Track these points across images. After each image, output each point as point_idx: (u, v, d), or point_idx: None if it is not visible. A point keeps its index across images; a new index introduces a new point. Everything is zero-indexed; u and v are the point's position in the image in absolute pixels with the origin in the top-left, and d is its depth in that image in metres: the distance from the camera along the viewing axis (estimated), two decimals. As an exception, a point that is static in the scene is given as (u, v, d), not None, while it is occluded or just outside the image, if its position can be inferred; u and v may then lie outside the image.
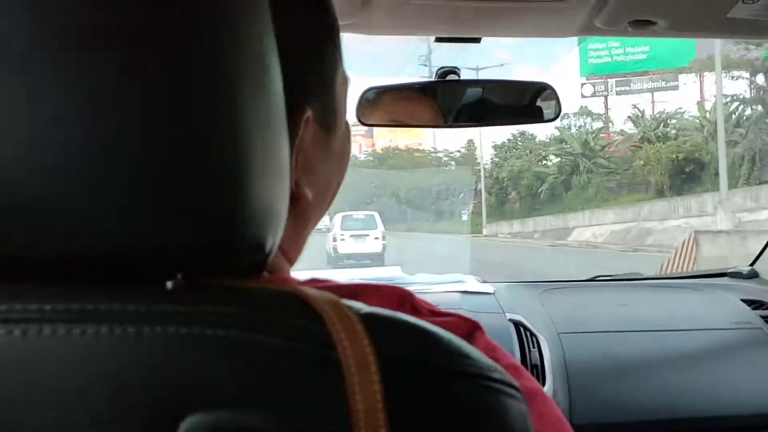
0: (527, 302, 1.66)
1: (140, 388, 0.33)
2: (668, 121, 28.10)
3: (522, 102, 1.40)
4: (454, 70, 1.39)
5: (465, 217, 29.64)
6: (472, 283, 1.72)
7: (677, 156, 24.97)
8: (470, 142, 37.15)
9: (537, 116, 1.39)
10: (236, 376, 0.34)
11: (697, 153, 25.09)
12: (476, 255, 16.37)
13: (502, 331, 1.53)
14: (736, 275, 1.87)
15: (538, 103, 1.38)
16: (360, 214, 18.69)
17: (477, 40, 1.36)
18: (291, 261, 0.57)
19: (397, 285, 0.51)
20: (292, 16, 0.51)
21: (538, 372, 1.49)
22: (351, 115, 1.35)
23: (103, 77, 0.33)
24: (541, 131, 36.43)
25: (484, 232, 29.84)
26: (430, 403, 0.36)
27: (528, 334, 1.53)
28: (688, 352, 1.56)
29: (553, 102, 1.36)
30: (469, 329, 0.50)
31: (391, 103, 1.38)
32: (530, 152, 32.24)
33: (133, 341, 0.34)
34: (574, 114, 30.45)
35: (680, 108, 28.80)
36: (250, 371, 0.34)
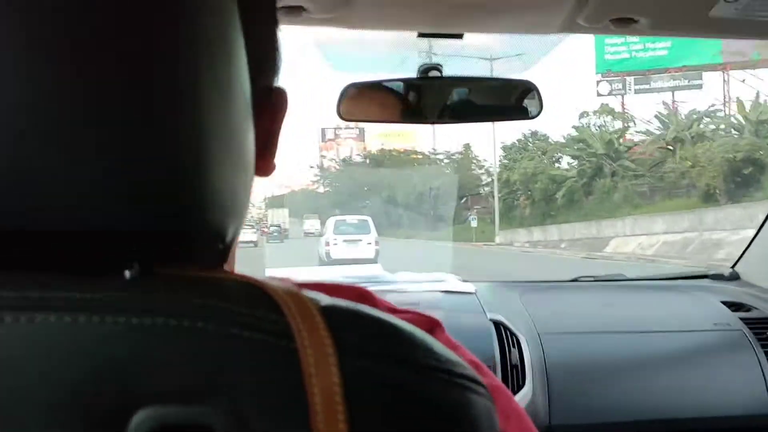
0: (508, 302, 1.70)
1: (90, 380, 0.33)
2: (701, 120, 26.53)
3: (505, 99, 1.44)
4: (436, 67, 1.43)
5: (474, 224, 28.69)
6: (453, 283, 1.77)
7: (734, 156, 22.11)
8: (467, 146, 36.38)
9: (520, 113, 1.44)
10: (191, 368, 0.34)
11: (758, 153, 22.23)
12: (501, 267, 15.20)
13: (482, 330, 1.58)
14: (718, 277, 1.91)
15: (522, 100, 1.43)
16: (353, 219, 18.99)
17: (460, 36, 1.41)
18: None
19: (364, 284, 0.53)
20: (264, 8, 0.53)
21: (518, 372, 1.53)
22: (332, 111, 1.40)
23: (65, 63, 0.35)
24: (556, 131, 35.86)
25: (497, 240, 28.34)
26: (391, 395, 0.36)
27: (508, 334, 1.58)
28: (669, 354, 1.61)
29: (536, 100, 1.41)
30: (429, 326, 0.50)
31: (373, 100, 1.42)
32: (543, 153, 31.12)
33: (83, 330, 0.34)
34: (594, 112, 29.46)
35: (713, 105, 27.10)
36: (205, 363, 0.34)
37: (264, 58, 0.52)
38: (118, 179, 0.36)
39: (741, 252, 1.88)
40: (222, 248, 0.41)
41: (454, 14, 1.31)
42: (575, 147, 29.52)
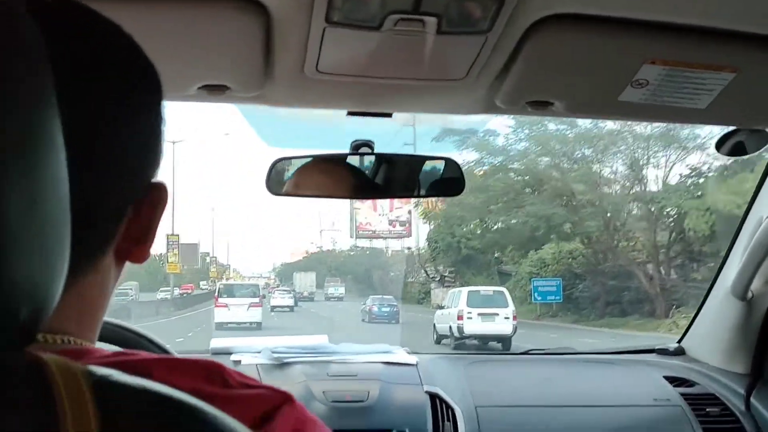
0: (450, 374, 1.75)
1: None
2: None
3: (431, 176, 1.51)
4: (367, 143, 1.51)
5: None
6: (398, 355, 1.81)
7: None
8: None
9: (445, 190, 1.51)
10: None
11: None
12: None
13: (417, 402, 1.63)
14: (664, 352, 1.95)
15: (446, 176, 1.50)
16: (488, 290, 17.77)
17: (389, 115, 1.49)
18: (94, 324, 0.62)
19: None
20: (149, 107, 0.59)
21: None
22: (261, 185, 1.47)
23: None
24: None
25: None
26: None
27: (444, 406, 1.62)
28: (606, 428, 1.64)
29: (459, 177, 1.48)
30: (278, 402, 0.53)
31: (302, 174, 1.49)
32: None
33: None
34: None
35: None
36: None
37: (145, 154, 0.58)
38: None
39: (686, 327, 1.92)
40: (22, 329, 0.44)
41: (381, 94, 1.39)
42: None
